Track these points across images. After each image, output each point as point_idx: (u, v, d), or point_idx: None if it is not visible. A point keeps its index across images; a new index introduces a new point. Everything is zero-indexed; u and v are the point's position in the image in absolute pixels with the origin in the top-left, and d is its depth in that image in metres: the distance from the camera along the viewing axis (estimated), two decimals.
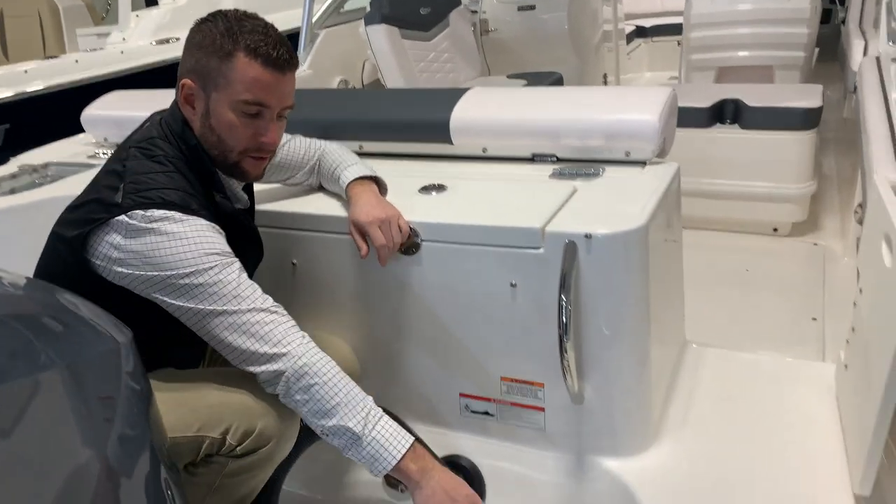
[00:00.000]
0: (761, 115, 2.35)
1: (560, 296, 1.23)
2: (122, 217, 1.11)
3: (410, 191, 1.49)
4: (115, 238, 1.11)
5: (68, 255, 1.14)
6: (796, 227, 2.49)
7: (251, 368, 1.13)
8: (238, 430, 1.14)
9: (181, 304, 1.11)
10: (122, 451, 0.78)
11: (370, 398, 1.15)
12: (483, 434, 1.47)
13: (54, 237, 1.19)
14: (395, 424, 1.14)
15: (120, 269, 1.11)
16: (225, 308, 1.10)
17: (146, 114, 1.31)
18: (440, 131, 1.65)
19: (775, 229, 2.51)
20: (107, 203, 1.13)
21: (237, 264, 1.14)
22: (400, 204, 1.37)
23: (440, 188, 1.48)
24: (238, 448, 1.14)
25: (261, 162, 1.25)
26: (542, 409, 1.39)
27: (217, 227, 1.17)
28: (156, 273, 1.10)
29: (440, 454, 1.29)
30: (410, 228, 1.36)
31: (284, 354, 1.11)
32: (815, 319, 2.01)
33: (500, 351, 1.39)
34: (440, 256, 1.36)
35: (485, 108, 1.68)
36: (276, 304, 1.16)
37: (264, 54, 1.15)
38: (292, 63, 1.20)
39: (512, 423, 1.43)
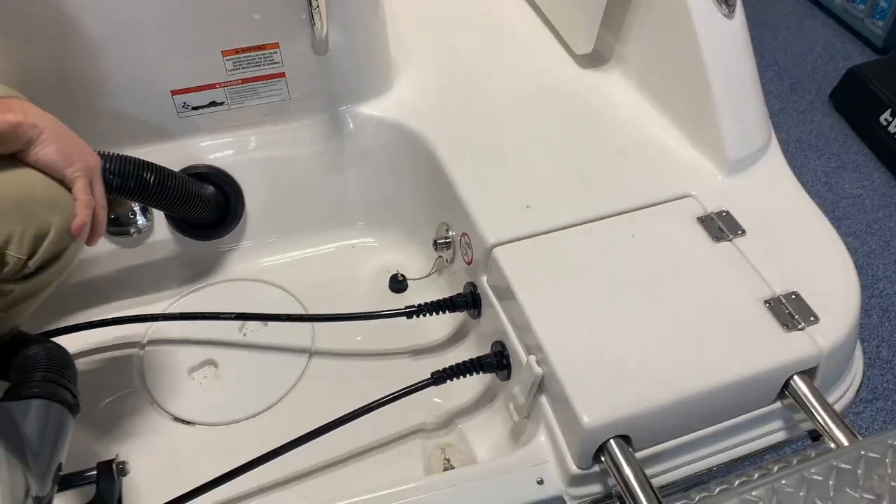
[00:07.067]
0: None
1: None
2: None
3: None
4: None
5: None
6: None
7: None
8: (25, 236, 0.76)
9: None
10: None
11: None
12: (216, 131, 1.22)
13: None
14: None
15: None
16: None
17: None
18: None
19: None
20: None
21: None
22: None
23: None
24: (30, 262, 0.77)
25: None
26: (283, 75, 1.19)
27: None
28: None
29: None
30: None
31: None
32: None
33: (214, 19, 1.10)
34: None
35: None
36: None
37: None
38: None
39: (248, 105, 1.21)
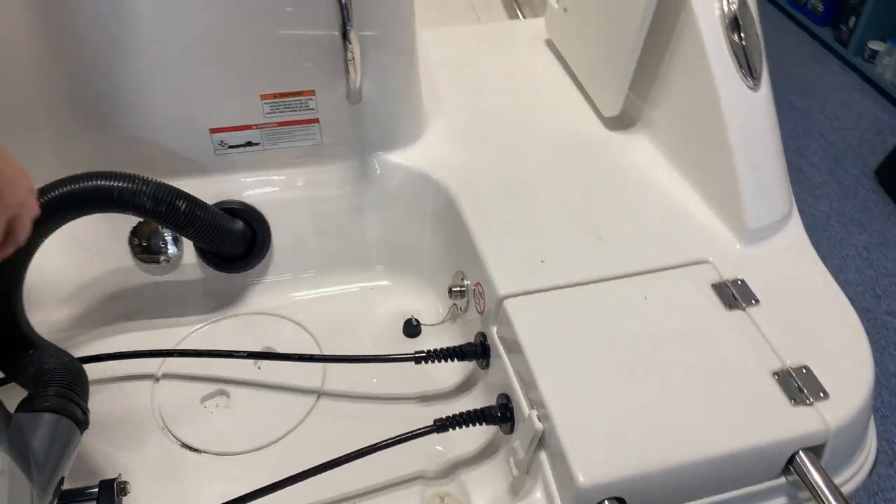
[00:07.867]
0: None
1: None
2: None
3: None
4: None
5: None
6: None
7: None
8: None
9: None
10: None
11: None
12: (250, 170, 1.28)
13: None
14: None
15: None
16: None
17: None
18: None
19: None
20: None
21: None
22: None
23: None
24: None
25: None
26: (317, 121, 1.25)
27: None
28: None
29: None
30: None
31: None
32: None
33: (257, 64, 1.16)
34: None
35: None
36: None
37: None
38: None
39: (282, 147, 1.27)
